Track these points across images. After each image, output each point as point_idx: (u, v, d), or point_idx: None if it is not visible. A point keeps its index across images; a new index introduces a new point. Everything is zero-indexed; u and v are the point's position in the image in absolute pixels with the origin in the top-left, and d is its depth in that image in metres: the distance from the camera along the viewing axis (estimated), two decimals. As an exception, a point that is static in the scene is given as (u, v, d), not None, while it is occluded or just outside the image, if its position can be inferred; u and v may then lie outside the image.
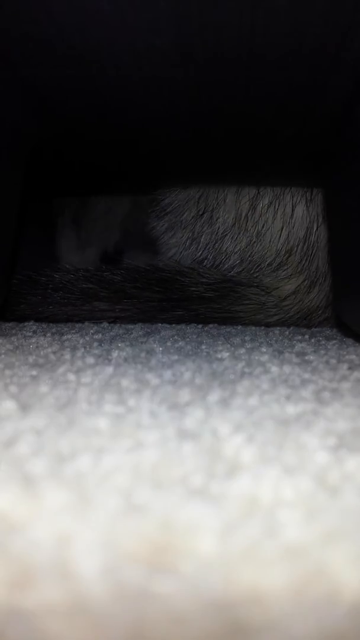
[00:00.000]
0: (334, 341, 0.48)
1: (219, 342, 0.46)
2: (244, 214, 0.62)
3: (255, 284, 0.60)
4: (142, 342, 0.45)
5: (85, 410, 0.27)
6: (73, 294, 0.58)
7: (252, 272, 0.61)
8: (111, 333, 0.51)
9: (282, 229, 0.60)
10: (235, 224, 0.62)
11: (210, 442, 0.23)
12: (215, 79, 0.38)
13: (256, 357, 0.39)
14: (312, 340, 0.48)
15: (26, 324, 0.56)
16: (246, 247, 0.61)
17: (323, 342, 0.47)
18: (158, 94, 0.41)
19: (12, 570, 0.15)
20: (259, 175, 0.64)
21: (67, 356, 0.39)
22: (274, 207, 0.60)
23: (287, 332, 0.53)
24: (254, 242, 0.61)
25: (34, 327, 0.53)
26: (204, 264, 0.63)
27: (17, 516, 0.18)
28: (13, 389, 0.30)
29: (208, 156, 0.57)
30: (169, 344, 0.45)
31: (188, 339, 0.48)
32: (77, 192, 0.75)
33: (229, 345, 0.44)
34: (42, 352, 0.40)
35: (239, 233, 0.62)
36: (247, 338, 0.48)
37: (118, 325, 0.56)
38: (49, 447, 0.23)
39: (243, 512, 0.18)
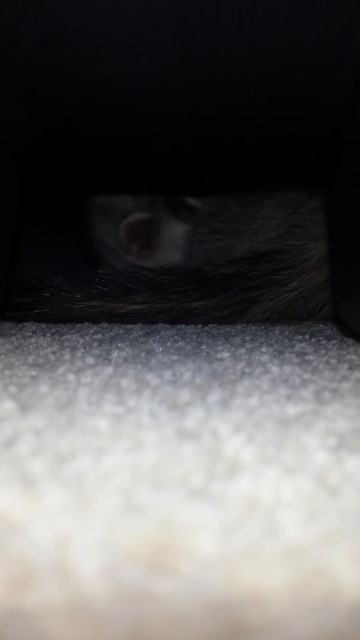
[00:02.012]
0: (334, 341, 0.48)
1: (219, 342, 0.46)
2: None
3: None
4: (142, 342, 0.45)
5: (85, 411, 0.27)
6: (111, 288, 0.58)
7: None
8: (111, 333, 0.51)
9: None
10: None
11: (210, 442, 0.23)
12: (215, 78, 0.38)
13: (256, 357, 0.39)
14: (312, 340, 0.48)
15: (26, 324, 0.56)
16: None
17: (323, 342, 0.47)
18: (158, 93, 0.41)
19: (12, 570, 0.15)
20: (259, 176, 0.64)
21: (67, 356, 0.39)
22: None
23: (287, 332, 0.53)
24: None
25: (34, 327, 0.53)
26: None
27: (17, 516, 0.18)
28: (13, 389, 0.30)
29: (207, 157, 0.57)
30: (169, 344, 0.45)
31: (188, 339, 0.48)
32: (81, 192, 0.75)
33: (229, 345, 0.44)
34: (41, 352, 0.40)
35: None
36: (247, 338, 0.48)
37: (118, 325, 0.56)
38: (48, 447, 0.23)
39: (243, 512, 0.18)
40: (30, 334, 0.49)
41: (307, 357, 0.40)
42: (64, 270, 0.60)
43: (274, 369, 0.36)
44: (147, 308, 0.58)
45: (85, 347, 0.43)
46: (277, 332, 0.54)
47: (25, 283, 0.58)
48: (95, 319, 0.57)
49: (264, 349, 0.42)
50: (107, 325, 0.56)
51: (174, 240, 0.73)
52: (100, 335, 0.49)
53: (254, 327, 0.57)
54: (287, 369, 0.36)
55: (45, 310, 0.58)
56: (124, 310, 0.58)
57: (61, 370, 0.35)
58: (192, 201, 0.73)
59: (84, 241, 0.79)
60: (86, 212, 0.78)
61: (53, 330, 0.52)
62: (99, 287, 0.58)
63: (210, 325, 0.57)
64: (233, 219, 0.66)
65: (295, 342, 0.47)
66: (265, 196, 0.64)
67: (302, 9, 0.30)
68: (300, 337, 0.50)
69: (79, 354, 0.40)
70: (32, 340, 0.45)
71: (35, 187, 0.59)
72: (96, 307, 0.58)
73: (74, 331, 0.51)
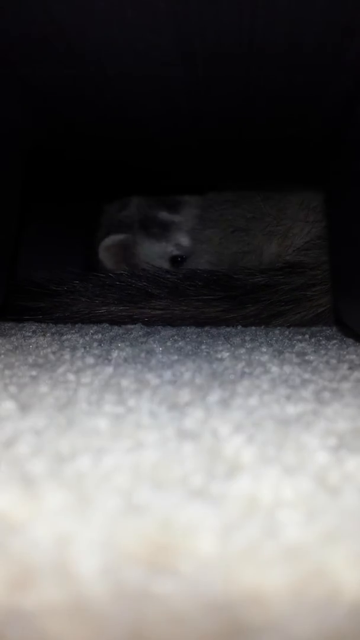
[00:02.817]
0: (334, 341, 0.48)
1: (219, 342, 0.46)
2: None
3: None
4: (142, 342, 0.45)
5: (85, 411, 0.27)
6: (130, 293, 0.57)
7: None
8: (111, 333, 0.51)
9: None
10: None
11: (210, 442, 0.23)
12: (215, 78, 0.38)
13: (256, 357, 0.39)
14: (312, 340, 0.48)
15: (25, 324, 0.56)
16: None
17: (323, 342, 0.47)
18: (158, 92, 0.41)
19: (12, 570, 0.15)
20: (260, 177, 0.64)
21: (67, 356, 0.39)
22: None
23: (287, 332, 0.53)
24: None
25: (34, 327, 0.53)
26: None
27: (17, 516, 0.18)
28: (13, 389, 0.30)
29: (207, 157, 0.57)
30: (169, 344, 0.45)
31: (188, 339, 0.48)
32: (82, 193, 0.75)
33: (229, 345, 0.44)
34: (41, 352, 0.40)
35: None
36: (247, 338, 0.48)
37: (118, 325, 0.56)
38: (48, 447, 0.23)
39: (243, 512, 0.18)
40: (30, 334, 0.49)
41: (307, 357, 0.40)
42: (77, 272, 0.59)
43: (274, 369, 0.36)
44: (168, 314, 0.56)
45: (85, 347, 0.43)
46: (277, 332, 0.54)
47: (43, 287, 0.57)
48: (113, 323, 0.57)
49: (264, 349, 0.42)
50: (107, 325, 0.56)
51: (151, 260, 0.70)
52: (100, 335, 0.49)
53: (254, 327, 0.57)
54: (287, 369, 0.36)
55: (67, 314, 0.57)
56: (143, 316, 0.57)
57: (61, 370, 0.35)
58: (165, 216, 0.70)
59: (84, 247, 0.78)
60: (83, 220, 0.76)
61: (53, 330, 0.52)
62: (118, 291, 0.57)
63: (210, 325, 0.57)
64: (259, 216, 0.64)
65: (295, 342, 0.47)
66: (288, 195, 0.62)
67: (302, 9, 0.30)
68: (300, 337, 0.50)
69: (79, 354, 0.40)
70: (32, 340, 0.45)
71: (35, 187, 0.59)
72: (114, 312, 0.57)
73: (74, 331, 0.51)
